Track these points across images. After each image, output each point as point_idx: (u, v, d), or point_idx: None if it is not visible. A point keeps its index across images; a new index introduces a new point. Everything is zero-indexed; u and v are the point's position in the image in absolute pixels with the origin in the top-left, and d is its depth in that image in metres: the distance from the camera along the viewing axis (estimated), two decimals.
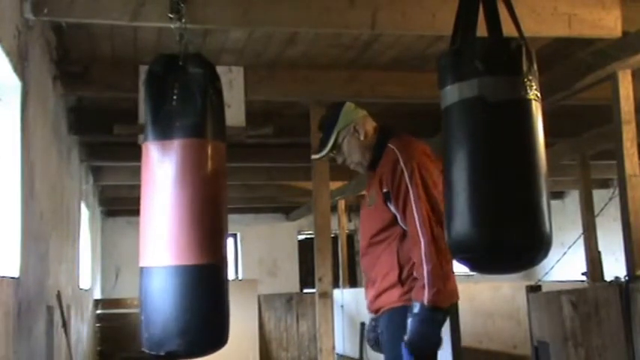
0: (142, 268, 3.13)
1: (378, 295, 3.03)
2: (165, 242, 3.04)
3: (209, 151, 3.13)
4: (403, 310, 2.87)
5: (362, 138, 3.09)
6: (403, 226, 2.93)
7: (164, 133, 3.11)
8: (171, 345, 2.99)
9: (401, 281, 2.93)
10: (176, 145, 3.07)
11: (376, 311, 3.06)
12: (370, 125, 3.14)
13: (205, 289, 3.07)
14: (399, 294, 2.93)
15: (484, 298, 8.16)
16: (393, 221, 2.97)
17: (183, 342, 2.99)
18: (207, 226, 3.07)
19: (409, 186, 2.88)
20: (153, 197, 3.11)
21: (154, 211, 3.10)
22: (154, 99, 3.17)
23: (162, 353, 3.02)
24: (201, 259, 3.03)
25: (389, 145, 3.02)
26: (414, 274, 2.85)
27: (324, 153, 3.14)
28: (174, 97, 3.12)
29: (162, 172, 3.07)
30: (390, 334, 2.94)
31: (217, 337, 3.15)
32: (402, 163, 2.92)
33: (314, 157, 3.25)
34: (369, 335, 3.18)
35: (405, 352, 2.80)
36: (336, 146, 3.11)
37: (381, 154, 3.04)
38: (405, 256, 2.92)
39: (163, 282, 3.03)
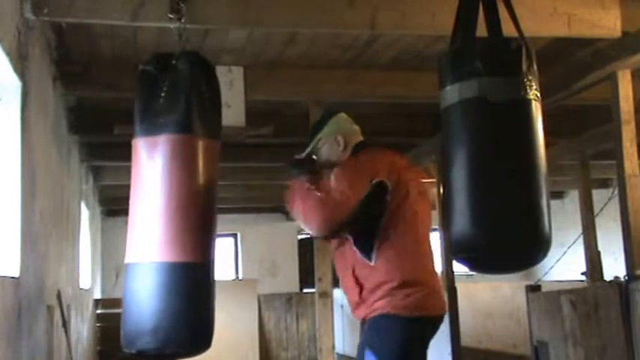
0: (126, 264, 3.11)
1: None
2: (145, 238, 3.00)
3: (198, 148, 3.09)
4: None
5: (340, 149, 3.13)
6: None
7: (151, 130, 3.08)
8: (142, 343, 2.93)
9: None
10: (162, 140, 3.04)
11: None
12: (356, 141, 3.17)
13: (182, 287, 2.97)
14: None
15: (484, 298, 8.17)
16: None
17: (153, 340, 2.91)
18: (191, 224, 3.01)
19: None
20: (137, 193, 3.09)
21: (136, 207, 3.08)
22: (144, 96, 3.16)
23: (133, 351, 2.97)
24: (180, 256, 2.95)
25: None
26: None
27: (302, 155, 3.22)
28: (163, 94, 3.11)
29: (148, 168, 3.05)
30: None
31: (194, 338, 3.03)
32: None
33: (295, 157, 3.28)
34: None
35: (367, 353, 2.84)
36: (315, 151, 3.18)
37: None
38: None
39: (139, 279, 3.00)
